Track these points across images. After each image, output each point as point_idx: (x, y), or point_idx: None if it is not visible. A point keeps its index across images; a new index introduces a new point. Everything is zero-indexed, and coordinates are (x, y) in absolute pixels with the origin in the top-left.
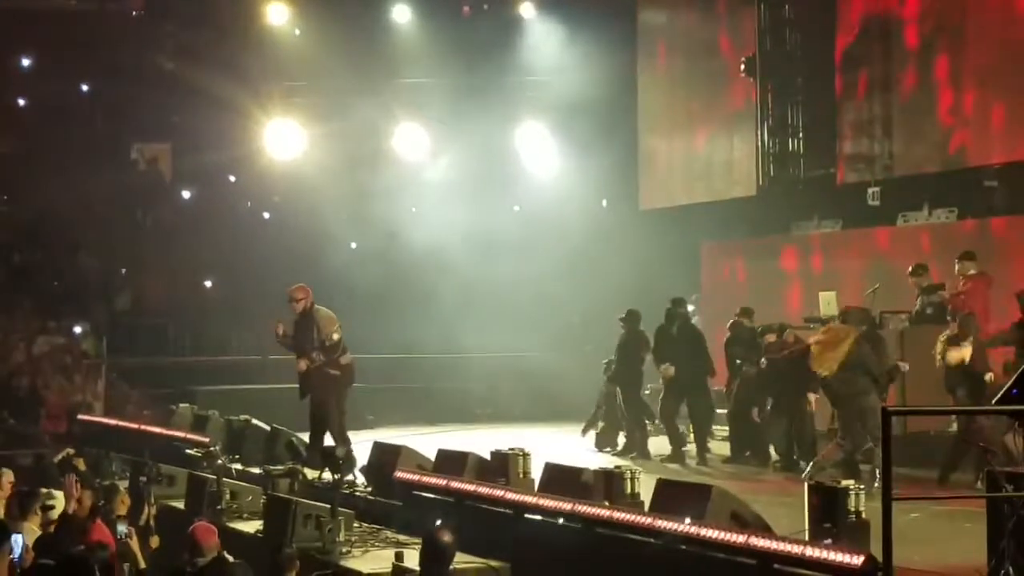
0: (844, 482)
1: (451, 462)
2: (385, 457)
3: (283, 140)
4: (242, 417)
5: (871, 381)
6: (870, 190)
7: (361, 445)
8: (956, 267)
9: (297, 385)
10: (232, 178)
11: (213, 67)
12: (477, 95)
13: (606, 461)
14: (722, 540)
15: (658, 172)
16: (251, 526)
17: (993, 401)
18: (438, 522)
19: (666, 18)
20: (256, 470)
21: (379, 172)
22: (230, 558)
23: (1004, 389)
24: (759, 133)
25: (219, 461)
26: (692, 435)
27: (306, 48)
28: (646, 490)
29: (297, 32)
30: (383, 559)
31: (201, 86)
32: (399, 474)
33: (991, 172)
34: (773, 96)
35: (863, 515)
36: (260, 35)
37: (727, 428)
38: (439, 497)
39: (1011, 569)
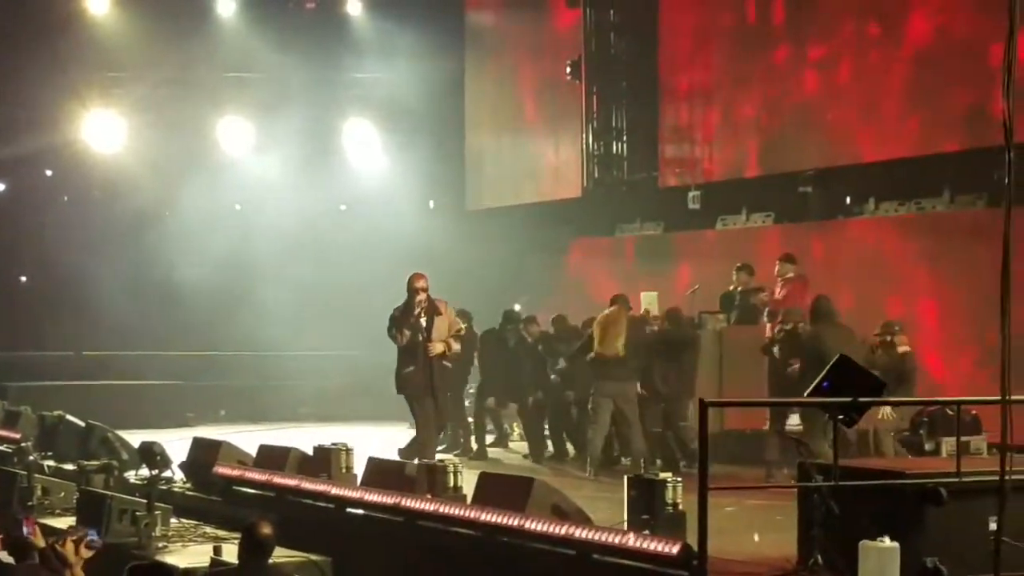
0: (662, 474)
1: (273, 458)
2: (205, 453)
3: (103, 132)
4: (55, 413)
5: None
6: (690, 194)
7: (181, 442)
8: (776, 269)
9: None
10: (48, 172)
11: (28, 56)
12: (303, 91)
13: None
14: (542, 532)
15: (485, 173)
16: (64, 522)
17: (805, 394)
18: (257, 516)
19: (494, 19)
20: (70, 466)
21: (203, 166)
22: None
23: (816, 382)
24: (584, 136)
25: (31, 457)
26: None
27: (127, 38)
28: (469, 484)
29: (117, 21)
30: (201, 554)
31: (14, 75)
32: (219, 469)
33: (806, 178)
34: (598, 99)
35: (680, 507)
36: (78, 23)
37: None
38: (260, 492)
39: (819, 557)
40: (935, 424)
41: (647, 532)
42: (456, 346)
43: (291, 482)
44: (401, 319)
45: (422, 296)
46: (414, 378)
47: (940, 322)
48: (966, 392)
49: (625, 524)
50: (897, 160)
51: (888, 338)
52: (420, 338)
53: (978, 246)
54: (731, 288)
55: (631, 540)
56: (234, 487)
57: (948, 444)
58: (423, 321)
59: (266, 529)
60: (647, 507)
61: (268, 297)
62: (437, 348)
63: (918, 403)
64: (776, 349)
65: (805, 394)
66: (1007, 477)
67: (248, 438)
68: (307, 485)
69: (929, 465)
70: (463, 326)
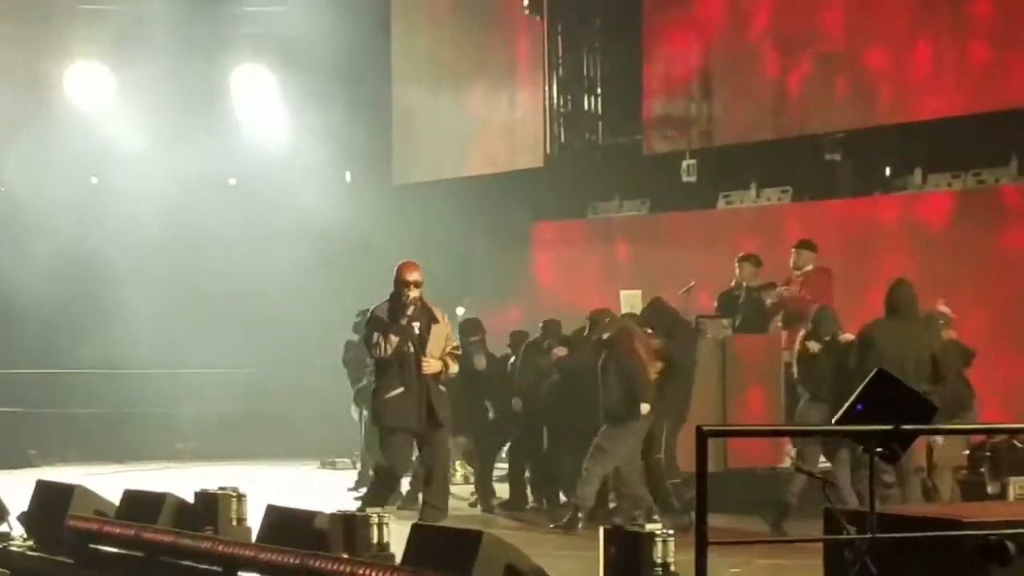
0: (649, 526)
1: (142, 506)
2: (52, 500)
3: None
4: None
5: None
6: (684, 163)
7: (20, 486)
8: (792, 259)
9: None
10: None
11: None
12: (179, 27)
13: (349, 504)
14: None
15: (418, 138)
16: None
17: (833, 420)
18: None
19: None
20: None
21: (45, 128)
22: None
23: (847, 405)
24: (547, 88)
25: None
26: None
27: None
28: (399, 539)
29: None
30: None
31: None
32: (72, 522)
33: (833, 142)
34: (565, 41)
35: (672, 567)
36: None
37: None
38: (125, 552)
39: None
40: (999, 458)
41: None
42: (454, 368)
43: (166, 538)
44: (386, 322)
45: (415, 294)
46: (403, 405)
47: (1002, 330)
48: None
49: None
50: (950, 119)
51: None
52: (410, 350)
53: None
54: (733, 285)
55: None
56: (91, 544)
57: (1017, 485)
58: (416, 327)
59: None
60: (629, 568)
61: (133, 300)
62: (433, 366)
63: (979, 431)
64: (801, 367)
65: (833, 420)
66: None
67: (110, 481)
68: (186, 542)
69: (992, 512)
70: (457, 344)
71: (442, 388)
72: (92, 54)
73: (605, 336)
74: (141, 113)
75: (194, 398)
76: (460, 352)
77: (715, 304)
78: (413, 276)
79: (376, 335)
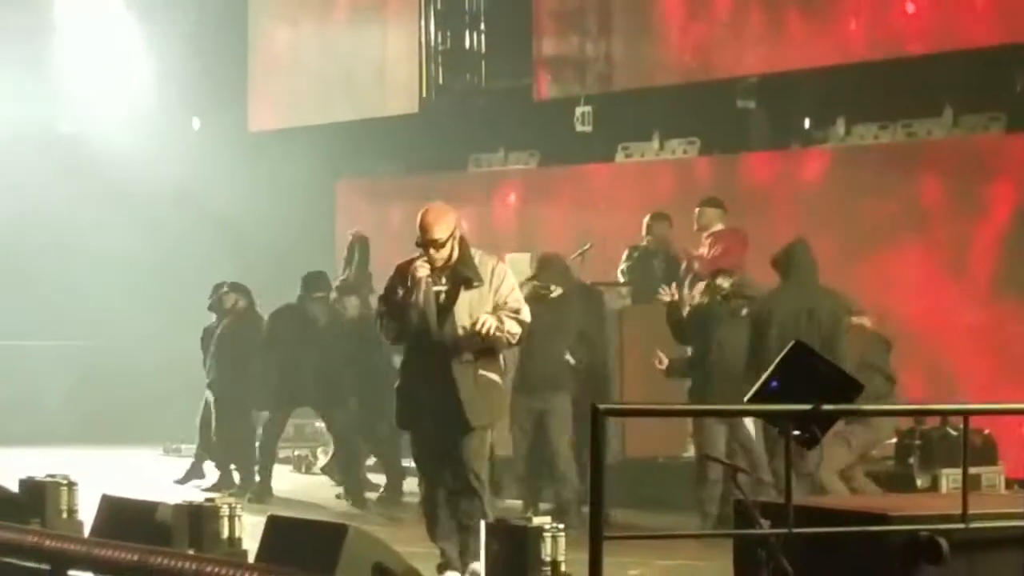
0: (537, 520)
1: None
2: None
3: None
4: None
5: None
6: (579, 110)
7: None
8: (696, 219)
9: None
10: None
11: None
12: None
13: (196, 495)
14: None
15: (277, 79)
16: None
17: (746, 399)
18: None
19: None
20: None
21: None
22: None
23: (760, 381)
24: (423, 23)
25: None
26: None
27: None
28: (252, 533)
29: None
30: None
31: None
32: None
33: (746, 87)
34: None
35: (562, 567)
36: None
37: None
38: None
39: None
40: (931, 448)
41: None
42: (514, 328)
43: None
44: (389, 296)
45: (439, 254)
46: (413, 401)
47: (935, 300)
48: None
49: None
50: (877, 63)
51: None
52: (430, 326)
53: (992, 186)
54: (645, 245)
55: None
56: None
57: (950, 477)
58: (438, 292)
59: None
60: (514, 566)
61: None
62: (488, 324)
63: (911, 412)
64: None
65: (746, 399)
66: None
67: None
68: (10, 536)
69: (923, 505)
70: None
71: (489, 375)
72: None
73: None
74: None
75: (18, 375)
76: (520, 315)
77: (621, 265)
78: (433, 233)
79: (383, 315)
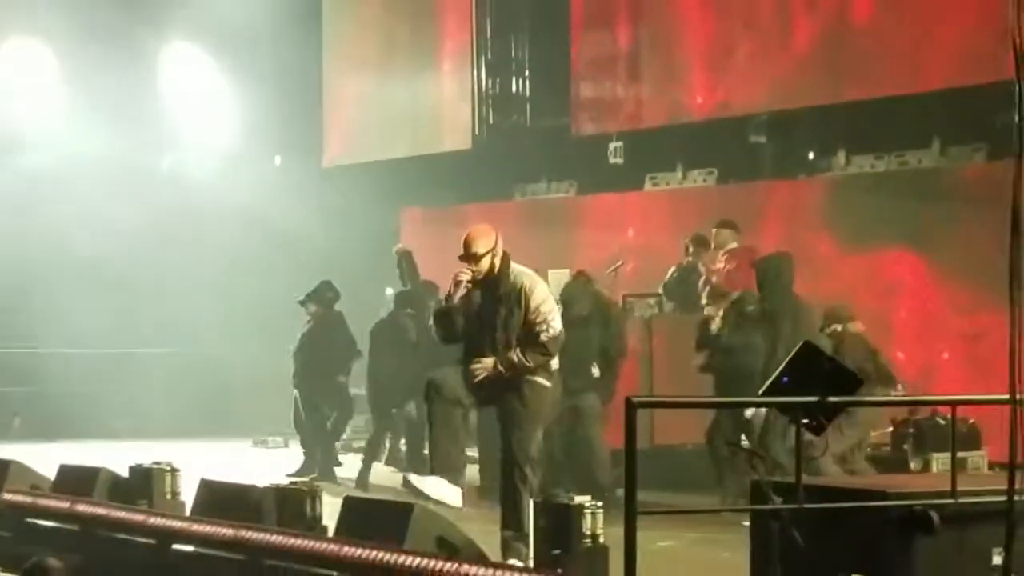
0: (578, 499)
1: (77, 481)
2: None
3: None
4: None
5: None
6: (612, 145)
7: None
8: (712, 238)
9: None
10: None
11: None
12: (109, 5)
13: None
14: (423, 569)
15: (347, 120)
16: None
17: (760, 392)
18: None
19: None
20: None
21: None
22: None
23: (773, 376)
24: (475, 71)
25: None
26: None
27: None
28: (331, 512)
29: None
30: None
31: None
32: (6, 496)
33: (758, 124)
34: (493, 24)
35: (601, 539)
36: None
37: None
38: (60, 525)
39: None
40: (923, 435)
41: (559, 570)
42: (533, 360)
43: (100, 511)
44: (443, 300)
45: (478, 266)
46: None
47: (926, 310)
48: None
49: (531, 561)
50: (873, 101)
51: (838, 328)
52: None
53: (976, 211)
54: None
55: None
56: (26, 519)
57: (939, 461)
58: (478, 305)
59: (56, 567)
60: (559, 539)
61: (64, 280)
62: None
63: (904, 403)
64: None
65: (760, 392)
66: (1016, 497)
67: (44, 456)
68: (121, 515)
69: (917, 483)
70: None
71: (537, 380)
72: (28, 30)
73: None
74: (72, 92)
75: (128, 379)
76: (543, 337)
77: (665, 279)
78: (472, 248)
79: (431, 320)
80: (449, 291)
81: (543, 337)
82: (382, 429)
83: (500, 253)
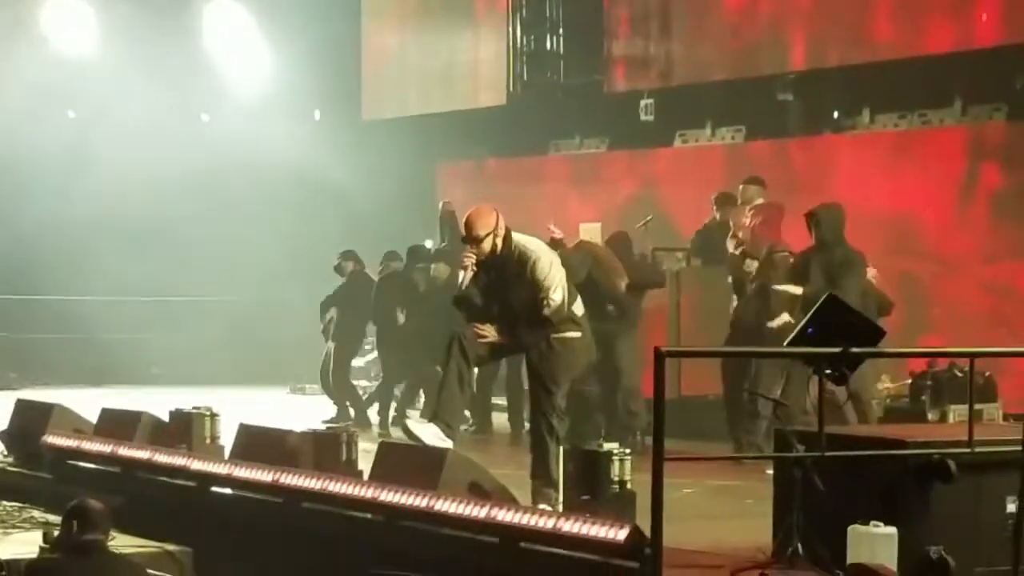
0: (607, 445)
1: (118, 425)
2: (31, 419)
3: None
4: None
5: None
6: (643, 102)
7: (0, 406)
8: (740, 194)
9: None
10: None
11: None
12: None
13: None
14: (456, 514)
15: (386, 74)
16: None
17: (785, 343)
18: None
19: None
20: None
21: (23, 62)
22: None
23: (798, 328)
24: (510, 28)
25: None
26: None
27: None
28: (366, 458)
29: None
30: (28, 542)
31: None
32: (49, 439)
33: (785, 82)
34: None
35: (629, 485)
36: None
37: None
38: (102, 468)
39: (799, 546)
40: (940, 387)
41: (588, 515)
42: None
43: (142, 455)
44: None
45: (480, 248)
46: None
47: (945, 265)
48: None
49: (560, 505)
50: (897, 61)
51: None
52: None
53: (996, 168)
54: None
55: (567, 525)
56: (69, 461)
57: (956, 412)
58: (487, 281)
59: (97, 508)
60: (588, 485)
61: (106, 231)
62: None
63: (924, 354)
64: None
65: (785, 343)
66: None
67: (87, 401)
68: (162, 458)
69: (935, 433)
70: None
71: (563, 335)
72: None
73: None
74: (115, 48)
75: (166, 325)
76: (546, 309)
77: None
78: (472, 231)
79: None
80: (461, 279)
81: (545, 311)
82: (391, 379)
83: (502, 233)
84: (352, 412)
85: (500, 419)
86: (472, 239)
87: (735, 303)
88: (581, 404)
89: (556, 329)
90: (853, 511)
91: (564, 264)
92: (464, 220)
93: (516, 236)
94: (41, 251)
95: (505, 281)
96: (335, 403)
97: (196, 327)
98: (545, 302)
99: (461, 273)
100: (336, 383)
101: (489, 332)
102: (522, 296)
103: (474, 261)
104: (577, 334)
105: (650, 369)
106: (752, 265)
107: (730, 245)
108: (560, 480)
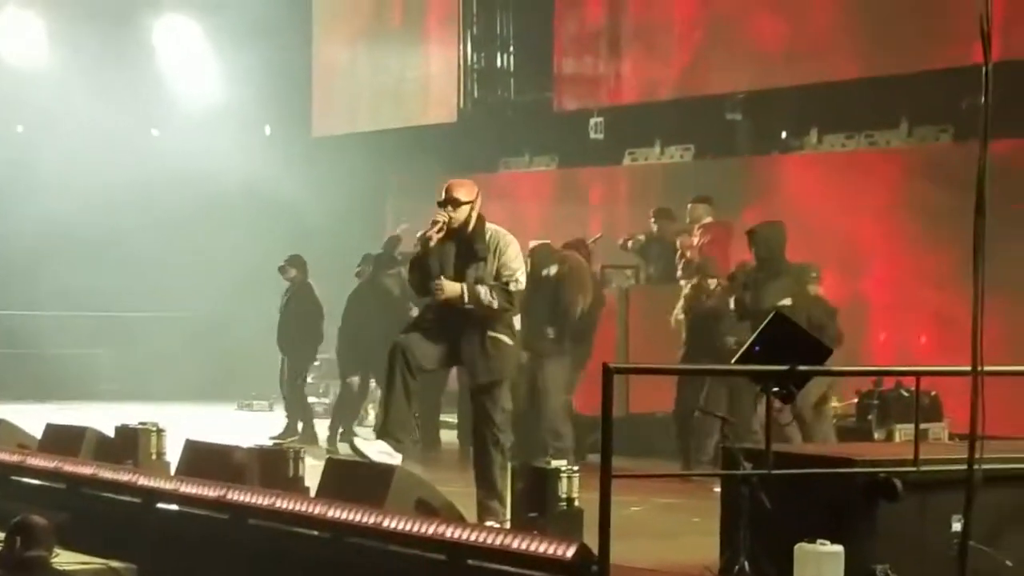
0: (555, 463)
1: (63, 440)
2: None
3: None
4: None
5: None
6: (593, 120)
7: None
8: (689, 213)
9: None
10: None
11: None
12: None
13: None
14: (404, 531)
15: (337, 91)
16: None
17: (732, 361)
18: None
19: None
20: None
21: None
22: None
23: (745, 346)
24: (461, 45)
25: None
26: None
27: None
28: (314, 474)
29: None
30: None
31: None
32: None
33: (734, 103)
34: (480, 0)
35: (576, 503)
36: None
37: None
38: (46, 483)
39: (746, 563)
40: (887, 407)
41: (536, 532)
42: (497, 301)
43: (86, 470)
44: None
45: (456, 214)
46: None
47: (894, 284)
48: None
49: (508, 523)
50: (844, 83)
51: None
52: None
53: (941, 189)
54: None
55: (515, 542)
56: (12, 476)
57: (902, 432)
58: (450, 255)
59: (41, 524)
60: (536, 502)
61: (54, 246)
62: (447, 289)
63: (870, 373)
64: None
65: (732, 361)
66: (976, 467)
67: (32, 417)
68: (107, 474)
69: (882, 452)
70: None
71: (498, 336)
72: (20, 2)
73: (555, 271)
74: (66, 62)
75: (117, 340)
76: (512, 287)
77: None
78: (453, 192)
79: (408, 270)
80: (426, 232)
81: (512, 287)
82: (351, 392)
83: (478, 209)
84: (300, 427)
85: (449, 435)
86: (451, 200)
87: (686, 321)
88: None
89: (494, 328)
90: (800, 529)
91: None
92: (447, 184)
93: (489, 223)
94: None
95: (469, 257)
96: (288, 416)
97: (145, 342)
98: (513, 280)
99: (429, 230)
100: (289, 395)
101: (452, 287)
102: (488, 272)
103: (445, 220)
104: (510, 342)
105: (598, 387)
106: (713, 283)
107: (679, 266)
108: (508, 496)
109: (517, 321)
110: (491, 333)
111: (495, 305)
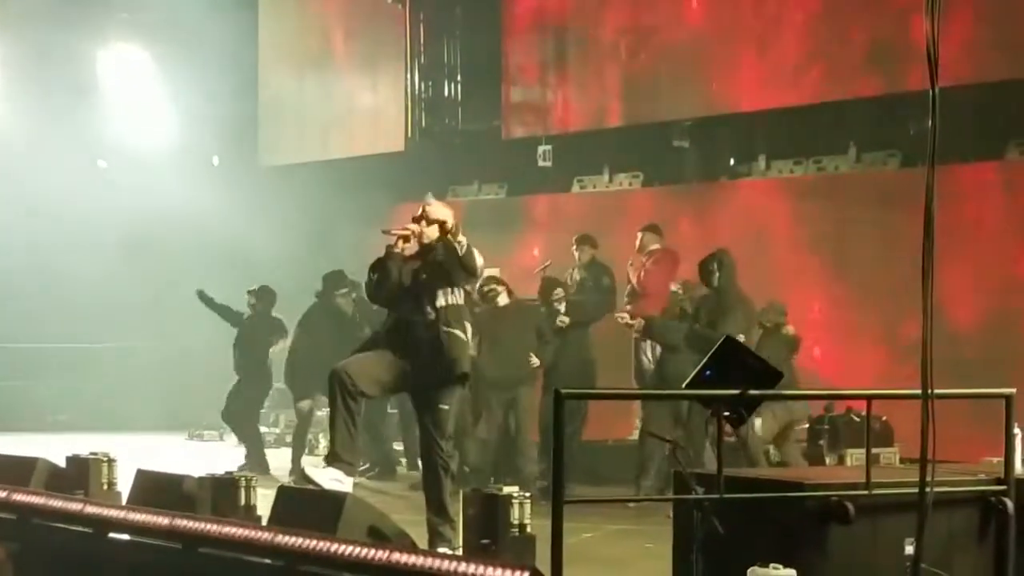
0: (506, 490)
1: (12, 470)
2: None
3: None
4: None
5: None
6: (541, 148)
7: None
8: (637, 241)
9: None
10: None
11: None
12: (47, 5)
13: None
14: (356, 557)
15: (284, 120)
16: None
17: (684, 385)
18: None
19: None
20: None
21: None
22: None
23: (696, 369)
24: (409, 74)
25: None
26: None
27: None
28: (265, 502)
29: None
30: None
31: None
32: None
33: (682, 129)
34: (427, 29)
35: (528, 529)
36: None
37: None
38: None
39: None
40: (838, 431)
41: (488, 559)
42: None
43: (36, 500)
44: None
45: (428, 230)
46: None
47: (843, 311)
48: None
49: (460, 549)
50: (792, 109)
51: (778, 323)
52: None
53: (890, 215)
54: (572, 270)
55: (467, 568)
56: None
57: (854, 456)
58: (415, 270)
59: None
60: (488, 529)
61: (5, 277)
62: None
63: (821, 397)
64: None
65: (684, 385)
66: (928, 490)
67: None
68: (57, 504)
69: (833, 475)
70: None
71: (454, 332)
72: None
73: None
74: (9, 90)
75: (69, 371)
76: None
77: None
78: (430, 209)
79: (368, 274)
80: (395, 241)
81: (470, 261)
82: (303, 416)
83: (456, 234)
84: (255, 456)
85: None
86: (424, 215)
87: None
88: (479, 450)
89: (449, 324)
90: (752, 553)
91: None
92: (426, 203)
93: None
94: None
95: (437, 277)
96: (247, 445)
97: (95, 373)
98: (471, 259)
99: (395, 238)
100: (244, 424)
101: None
102: (445, 276)
103: (413, 232)
104: (463, 336)
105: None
106: (686, 301)
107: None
108: (460, 520)
109: (469, 329)
110: (446, 329)
111: (461, 250)
